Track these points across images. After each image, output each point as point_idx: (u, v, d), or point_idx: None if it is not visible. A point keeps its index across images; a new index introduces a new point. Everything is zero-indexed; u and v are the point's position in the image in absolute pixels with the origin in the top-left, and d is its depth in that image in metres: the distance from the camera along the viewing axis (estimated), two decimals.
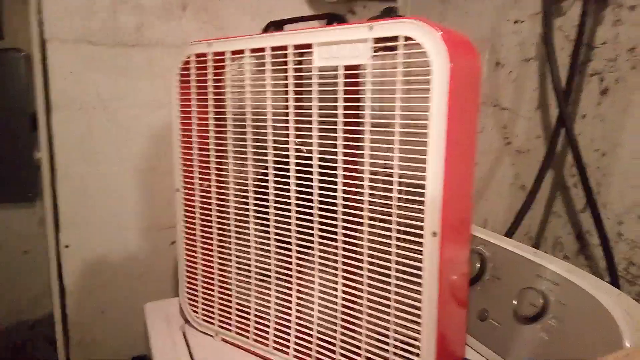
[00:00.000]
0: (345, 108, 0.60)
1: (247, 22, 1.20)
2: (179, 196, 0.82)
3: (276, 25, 0.72)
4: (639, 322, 0.57)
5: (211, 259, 0.80)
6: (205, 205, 0.80)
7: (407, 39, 0.54)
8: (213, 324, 0.81)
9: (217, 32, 1.17)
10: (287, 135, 0.67)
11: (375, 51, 0.57)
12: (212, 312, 0.81)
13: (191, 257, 0.83)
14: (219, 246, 0.79)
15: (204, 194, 0.79)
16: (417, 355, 0.58)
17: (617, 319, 0.57)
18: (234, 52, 0.71)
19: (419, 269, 0.56)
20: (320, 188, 0.64)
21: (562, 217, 0.97)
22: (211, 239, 0.79)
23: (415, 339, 0.58)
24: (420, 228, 0.55)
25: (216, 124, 0.76)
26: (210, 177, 0.78)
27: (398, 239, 0.58)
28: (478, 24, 1.17)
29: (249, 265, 0.76)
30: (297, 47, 0.63)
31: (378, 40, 0.57)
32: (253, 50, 0.68)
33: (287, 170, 0.67)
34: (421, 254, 0.56)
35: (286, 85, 0.66)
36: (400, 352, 0.59)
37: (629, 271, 0.83)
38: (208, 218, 0.79)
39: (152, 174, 1.17)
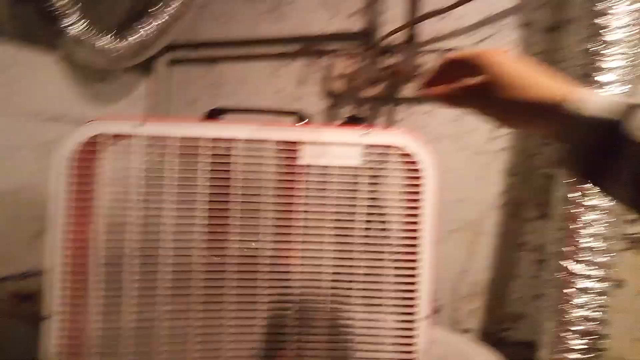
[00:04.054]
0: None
1: None
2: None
3: (217, 113, 0.66)
4: None
5: None
6: None
7: (399, 148, 0.63)
8: None
9: None
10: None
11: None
12: None
13: None
14: None
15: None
16: None
17: None
18: (184, 139, 0.61)
19: None
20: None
21: None
22: None
23: None
24: None
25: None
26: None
27: None
28: None
29: None
30: (279, 142, 0.62)
31: (369, 145, 0.63)
32: (215, 140, 0.61)
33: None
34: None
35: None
36: None
37: None
38: None
39: None
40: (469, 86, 0.42)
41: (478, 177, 1.00)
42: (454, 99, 0.44)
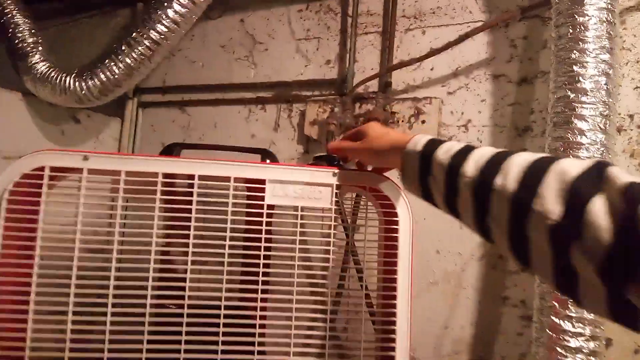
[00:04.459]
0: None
1: None
2: None
3: (173, 148, 0.61)
4: None
5: None
6: None
7: (372, 189, 0.58)
8: None
9: None
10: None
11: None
12: None
13: None
14: None
15: None
16: None
17: None
18: (132, 174, 0.55)
19: None
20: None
21: None
22: None
23: None
24: None
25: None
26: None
27: None
28: None
29: None
30: (246, 180, 0.56)
31: (341, 186, 0.58)
32: (166, 176, 0.56)
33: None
34: None
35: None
36: None
37: None
38: None
39: None
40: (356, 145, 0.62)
41: (456, 226, 0.95)
42: (348, 152, 0.62)
